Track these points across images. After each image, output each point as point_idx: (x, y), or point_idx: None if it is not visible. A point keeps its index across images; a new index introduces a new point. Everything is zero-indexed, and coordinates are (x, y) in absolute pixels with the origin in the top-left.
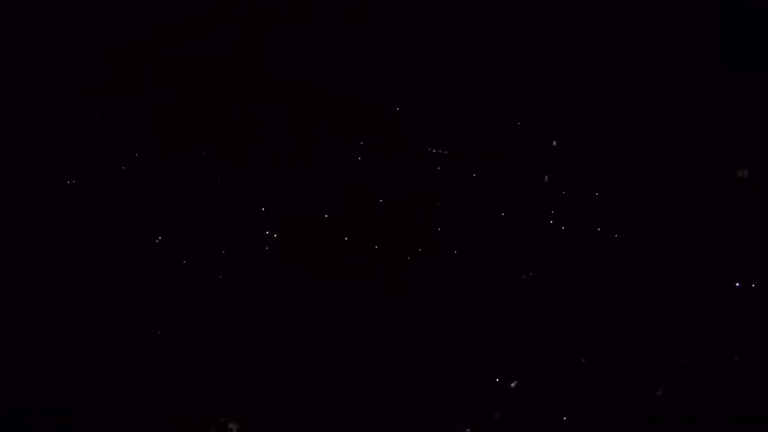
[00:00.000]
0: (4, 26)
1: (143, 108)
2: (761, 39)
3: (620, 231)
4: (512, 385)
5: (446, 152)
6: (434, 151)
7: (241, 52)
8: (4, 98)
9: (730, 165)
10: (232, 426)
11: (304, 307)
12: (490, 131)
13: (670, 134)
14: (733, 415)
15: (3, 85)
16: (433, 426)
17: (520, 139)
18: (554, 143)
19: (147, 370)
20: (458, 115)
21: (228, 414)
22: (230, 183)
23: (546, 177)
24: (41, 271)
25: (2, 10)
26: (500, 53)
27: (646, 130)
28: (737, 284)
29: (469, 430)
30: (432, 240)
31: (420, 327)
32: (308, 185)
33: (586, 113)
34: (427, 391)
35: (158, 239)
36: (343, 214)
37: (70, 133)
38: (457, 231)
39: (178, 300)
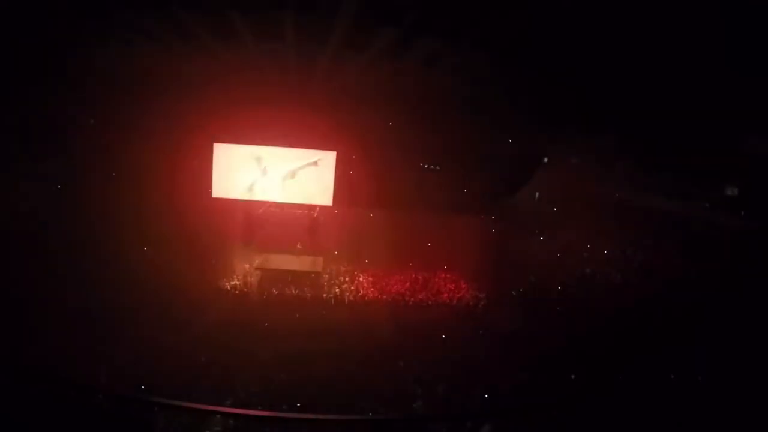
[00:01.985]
0: None
1: None
2: None
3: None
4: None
5: (438, 168)
6: (426, 166)
7: None
8: None
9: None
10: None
11: (298, 313)
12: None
13: None
14: None
15: None
16: None
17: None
18: (546, 159)
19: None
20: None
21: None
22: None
23: (537, 194)
24: None
25: None
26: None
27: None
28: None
29: None
30: (427, 248)
31: (414, 335)
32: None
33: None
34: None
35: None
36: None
37: None
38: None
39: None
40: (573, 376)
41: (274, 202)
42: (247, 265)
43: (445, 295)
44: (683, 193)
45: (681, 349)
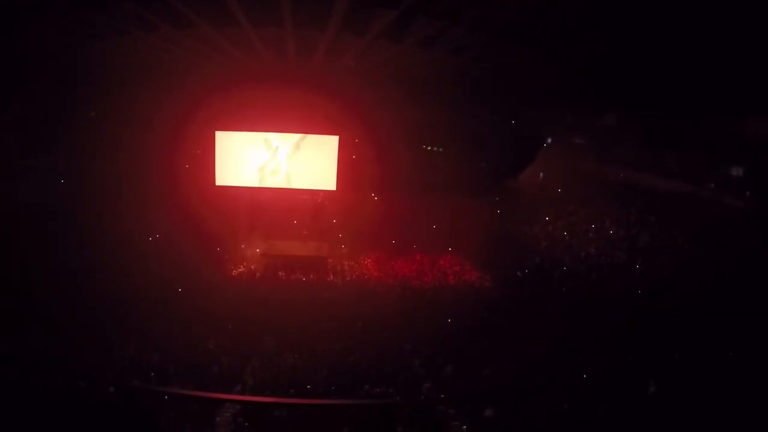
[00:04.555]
0: None
1: None
2: None
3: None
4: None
5: (441, 149)
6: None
7: None
8: None
9: None
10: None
11: (309, 305)
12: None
13: None
14: None
15: None
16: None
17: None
18: (549, 141)
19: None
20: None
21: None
22: None
23: (541, 174)
24: None
25: None
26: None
27: None
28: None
29: (465, 427)
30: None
31: (424, 320)
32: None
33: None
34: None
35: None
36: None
37: None
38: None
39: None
40: (577, 359)
41: (278, 188)
42: (253, 252)
43: (451, 277)
44: (688, 174)
45: (686, 331)
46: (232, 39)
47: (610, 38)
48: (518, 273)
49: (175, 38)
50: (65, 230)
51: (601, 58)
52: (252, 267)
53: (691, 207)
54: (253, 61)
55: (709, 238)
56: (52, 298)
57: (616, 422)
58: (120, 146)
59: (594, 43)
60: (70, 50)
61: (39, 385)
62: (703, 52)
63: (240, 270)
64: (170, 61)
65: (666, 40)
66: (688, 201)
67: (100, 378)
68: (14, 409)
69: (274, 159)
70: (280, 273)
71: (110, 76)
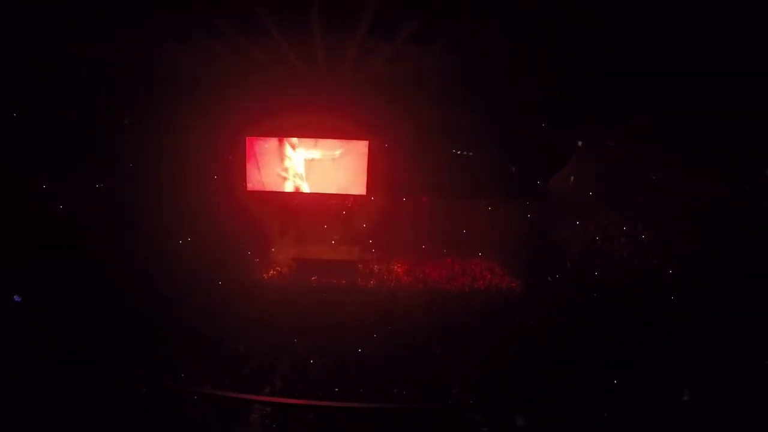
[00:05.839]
0: None
1: None
2: None
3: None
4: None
5: (471, 153)
6: (459, 152)
7: None
8: None
9: None
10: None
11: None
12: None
13: None
14: None
15: None
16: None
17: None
18: (580, 142)
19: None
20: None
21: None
22: None
23: (572, 177)
24: None
25: None
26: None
27: None
28: None
29: None
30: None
31: (450, 323)
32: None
33: None
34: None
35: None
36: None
37: None
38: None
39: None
40: (609, 365)
41: (308, 193)
42: (284, 256)
43: (481, 281)
44: (726, 176)
45: (721, 340)
46: (263, 47)
47: (641, 36)
48: (549, 278)
49: (208, 47)
50: (98, 232)
51: (631, 56)
52: (283, 270)
53: (729, 211)
54: (283, 68)
55: (749, 243)
56: (85, 297)
57: (648, 430)
58: (153, 152)
59: (625, 42)
60: (102, 58)
61: (72, 382)
62: (740, 42)
63: (271, 273)
64: (202, 70)
65: (699, 34)
66: (726, 204)
67: (132, 377)
68: (48, 404)
69: (304, 164)
70: (310, 276)
71: (143, 84)
